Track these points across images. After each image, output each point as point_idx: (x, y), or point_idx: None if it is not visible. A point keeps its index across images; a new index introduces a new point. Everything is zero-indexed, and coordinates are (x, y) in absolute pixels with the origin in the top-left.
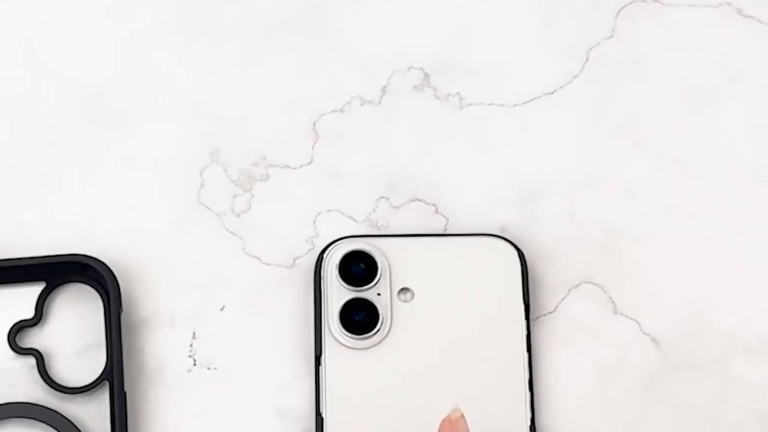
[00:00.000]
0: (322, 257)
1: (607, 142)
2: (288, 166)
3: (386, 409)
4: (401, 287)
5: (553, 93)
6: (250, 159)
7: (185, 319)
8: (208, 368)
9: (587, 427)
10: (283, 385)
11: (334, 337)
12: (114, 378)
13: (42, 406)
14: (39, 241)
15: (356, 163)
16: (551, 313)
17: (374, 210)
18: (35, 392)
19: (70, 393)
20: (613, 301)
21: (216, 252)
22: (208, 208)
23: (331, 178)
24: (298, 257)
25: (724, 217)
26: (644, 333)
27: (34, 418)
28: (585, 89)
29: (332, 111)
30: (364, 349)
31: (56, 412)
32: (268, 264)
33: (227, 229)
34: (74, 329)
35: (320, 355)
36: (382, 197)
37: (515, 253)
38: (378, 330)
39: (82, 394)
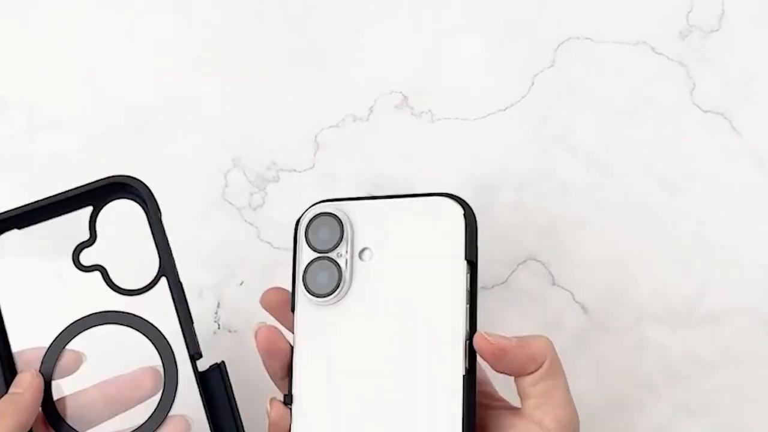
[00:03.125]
0: (298, 222)
1: (548, 148)
2: (294, 170)
3: (345, 357)
4: (363, 247)
5: (505, 110)
6: (264, 164)
7: (211, 292)
8: (230, 331)
9: None
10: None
11: (304, 294)
12: (168, 272)
13: (122, 312)
14: None
15: (349, 167)
16: (503, 283)
17: None
18: (103, 303)
19: (137, 294)
20: (552, 275)
21: (236, 238)
22: (230, 203)
23: (328, 179)
24: None
25: (639, 211)
26: (576, 302)
27: (114, 323)
28: (531, 107)
29: (330, 126)
30: (329, 305)
31: (135, 315)
32: (278, 248)
33: (245, 220)
34: (124, 241)
35: (293, 310)
36: (369, 194)
37: (461, 210)
38: (338, 290)
39: (145, 294)
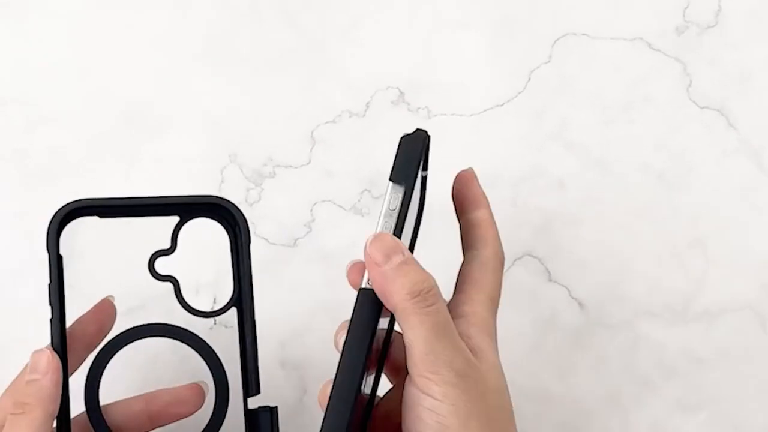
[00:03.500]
0: None
1: (544, 144)
2: (291, 166)
3: None
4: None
5: (502, 105)
6: (260, 160)
7: (208, 288)
8: (225, 327)
9: (527, 372)
10: (284, 341)
11: None
12: (245, 305)
13: (182, 328)
14: None
15: (345, 163)
16: None
17: (359, 200)
18: (168, 315)
19: (202, 316)
20: (548, 271)
21: None
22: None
23: (325, 175)
24: (298, 238)
25: (635, 207)
26: (572, 297)
27: (171, 337)
28: (527, 103)
29: (326, 122)
30: None
31: (200, 337)
32: (274, 244)
33: None
34: (203, 259)
35: None
36: (366, 190)
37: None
38: None
39: (209, 318)
